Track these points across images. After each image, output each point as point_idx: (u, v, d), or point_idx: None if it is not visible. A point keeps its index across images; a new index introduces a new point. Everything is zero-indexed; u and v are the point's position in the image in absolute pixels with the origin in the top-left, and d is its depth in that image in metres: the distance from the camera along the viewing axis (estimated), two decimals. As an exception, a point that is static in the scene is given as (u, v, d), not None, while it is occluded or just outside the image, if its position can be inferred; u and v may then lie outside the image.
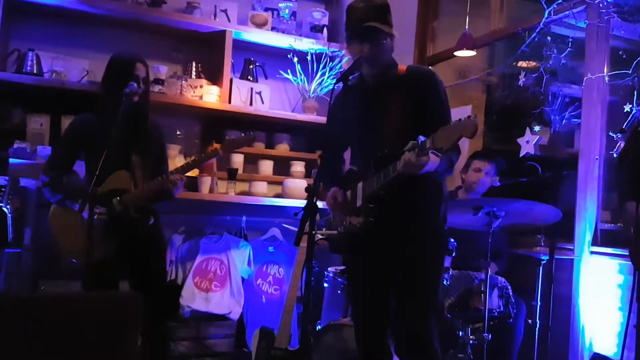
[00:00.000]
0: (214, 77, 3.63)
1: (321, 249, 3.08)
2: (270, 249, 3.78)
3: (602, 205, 2.93)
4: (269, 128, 3.84)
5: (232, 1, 3.69)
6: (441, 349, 2.09)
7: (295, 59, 3.68)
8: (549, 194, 2.69)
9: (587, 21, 3.00)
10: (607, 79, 2.91)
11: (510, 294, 2.85)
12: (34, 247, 3.10)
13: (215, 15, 3.64)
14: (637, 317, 1.46)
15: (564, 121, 3.74)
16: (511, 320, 2.86)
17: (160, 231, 2.71)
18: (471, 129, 1.65)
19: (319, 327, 2.97)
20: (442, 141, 1.69)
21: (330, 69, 3.76)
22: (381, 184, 1.95)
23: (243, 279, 3.65)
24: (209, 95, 3.55)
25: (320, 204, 2.35)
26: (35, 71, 3.28)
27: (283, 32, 3.74)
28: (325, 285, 3.16)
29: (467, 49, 3.49)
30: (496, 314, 2.78)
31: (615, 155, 2.62)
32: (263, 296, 3.75)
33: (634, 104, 2.76)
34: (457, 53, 3.58)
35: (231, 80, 3.62)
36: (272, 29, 3.73)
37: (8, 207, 2.92)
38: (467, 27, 3.53)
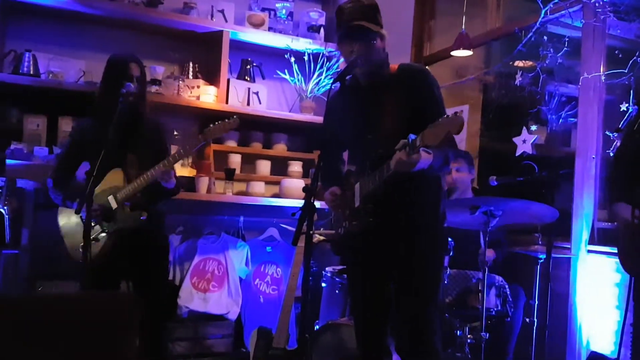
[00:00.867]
0: (211, 78, 3.63)
1: (319, 249, 3.11)
2: (268, 249, 3.78)
3: (599, 204, 2.94)
4: (266, 128, 3.84)
5: (229, 1, 3.68)
6: (438, 349, 2.09)
7: (293, 59, 3.68)
8: (546, 193, 2.69)
9: (584, 20, 3.01)
10: (603, 78, 2.92)
11: (508, 293, 2.86)
12: (32, 248, 3.09)
13: (212, 16, 3.63)
14: (633, 316, 1.47)
15: (560, 120, 3.75)
16: (509, 319, 2.87)
17: (163, 232, 2.72)
18: (457, 125, 1.68)
19: (317, 327, 2.97)
20: (430, 138, 1.71)
21: (327, 69, 3.76)
22: (377, 184, 1.96)
23: (241, 279, 3.65)
24: (206, 96, 3.55)
25: (317, 204, 2.36)
26: (32, 72, 3.27)
27: (280, 32, 3.75)
28: (324, 285, 3.16)
29: (464, 48, 3.50)
30: (494, 312, 2.79)
31: (611, 154, 2.63)
32: (261, 296, 3.75)
33: (630, 103, 2.77)
34: (453, 53, 3.59)
35: (228, 80, 3.62)
36: (269, 29, 3.72)
37: (5, 207, 2.92)
38: (463, 26, 3.54)
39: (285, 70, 3.77)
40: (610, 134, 2.70)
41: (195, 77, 3.64)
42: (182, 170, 3.49)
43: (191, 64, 3.66)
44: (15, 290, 3.05)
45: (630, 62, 2.83)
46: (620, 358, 2.08)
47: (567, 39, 3.17)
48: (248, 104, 3.66)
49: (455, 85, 4.02)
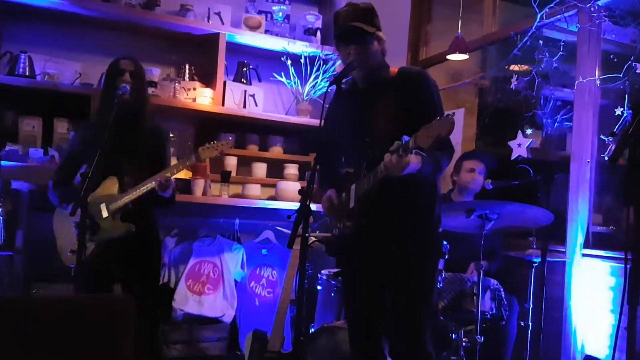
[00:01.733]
0: (208, 80, 3.63)
1: (315, 252, 3.10)
2: (264, 251, 3.78)
3: (594, 208, 2.95)
4: (262, 131, 3.84)
5: (226, 4, 3.68)
6: (434, 351, 2.10)
7: (289, 62, 3.69)
8: (541, 196, 2.71)
9: (579, 25, 3.03)
10: (598, 82, 2.93)
11: (503, 296, 2.86)
12: (26, 249, 3.08)
13: (208, 18, 3.63)
14: (627, 319, 1.47)
15: (556, 124, 3.77)
16: (503, 322, 2.88)
17: (156, 236, 2.71)
18: (448, 127, 1.68)
19: (312, 330, 2.97)
20: (423, 140, 1.71)
21: (324, 72, 3.76)
22: (371, 185, 1.96)
23: (236, 281, 3.64)
24: (202, 98, 3.55)
25: (313, 207, 2.35)
26: (27, 73, 3.27)
27: (276, 35, 3.75)
28: (319, 287, 3.16)
29: (460, 52, 3.52)
30: (489, 316, 2.80)
31: (606, 158, 2.64)
32: (256, 299, 3.74)
33: (625, 108, 2.78)
34: (449, 56, 3.60)
35: (225, 82, 3.62)
36: (266, 31, 3.73)
37: (0, 209, 2.90)
38: (459, 30, 3.55)
39: (282, 73, 3.77)
40: (605, 138, 2.71)
41: (191, 79, 3.64)
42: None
43: (187, 66, 3.66)
44: (10, 292, 3.04)
45: (625, 66, 2.84)
46: (614, 362, 2.08)
47: (562, 44, 3.18)
48: (244, 106, 3.66)
49: (451, 89, 4.03)
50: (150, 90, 3.40)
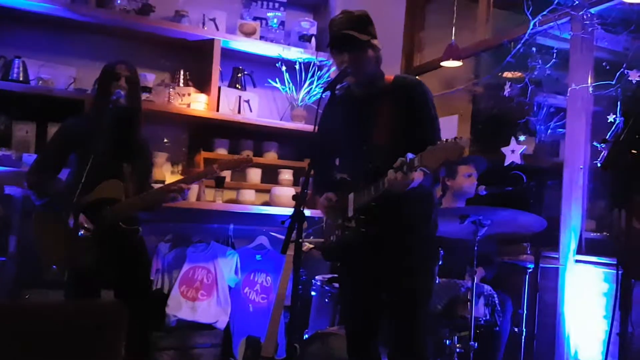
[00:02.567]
0: (202, 85, 3.63)
1: (309, 257, 3.10)
2: (258, 257, 3.77)
3: (587, 214, 2.97)
4: (257, 136, 3.84)
5: (221, 10, 3.70)
6: (428, 357, 2.10)
7: (284, 68, 3.70)
8: (534, 203, 2.72)
9: (572, 32, 3.06)
10: (591, 89, 2.96)
11: (497, 302, 2.86)
12: (19, 255, 3.06)
13: (203, 24, 3.64)
14: (620, 325, 1.48)
15: (549, 131, 3.79)
16: (497, 328, 2.88)
17: (143, 240, 2.70)
18: (457, 153, 1.67)
19: (306, 336, 2.96)
20: (429, 161, 1.71)
21: (319, 78, 3.77)
22: (371, 197, 1.96)
23: (230, 287, 3.63)
24: (197, 104, 3.55)
25: (308, 212, 2.35)
26: (21, 78, 3.26)
27: (271, 41, 3.76)
28: (313, 293, 3.15)
29: (453, 59, 3.53)
30: (482, 322, 2.79)
31: (599, 164, 2.66)
32: (250, 305, 3.73)
33: (617, 114, 2.80)
34: (443, 63, 3.62)
35: (219, 88, 3.62)
36: (261, 38, 3.74)
37: (-8, 214, 2.89)
38: (453, 37, 3.57)
39: (277, 79, 3.78)
40: (598, 145, 2.73)
41: (186, 84, 3.64)
42: (172, 177, 3.48)
43: (182, 72, 3.66)
44: (2, 297, 3.01)
45: (618, 74, 2.86)
46: (607, 368, 2.09)
47: (555, 51, 3.21)
48: (239, 112, 3.66)
49: (445, 95, 4.04)
50: (144, 95, 3.40)
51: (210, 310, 3.54)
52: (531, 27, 3.22)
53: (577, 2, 2.99)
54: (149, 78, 3.52)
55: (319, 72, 3.77)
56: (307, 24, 3.90)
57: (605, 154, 2.17)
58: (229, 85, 3.74)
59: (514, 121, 3.40)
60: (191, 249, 3.59)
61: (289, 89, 3.79)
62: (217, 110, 3.59)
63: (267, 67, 3.77)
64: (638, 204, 1.71)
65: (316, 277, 3.16)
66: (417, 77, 4.32)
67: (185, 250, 3.59)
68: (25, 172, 2.69)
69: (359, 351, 2.17)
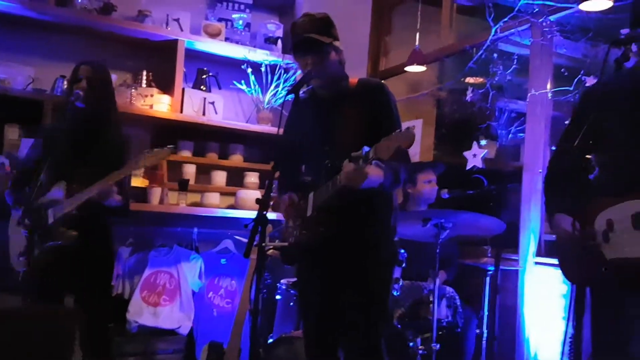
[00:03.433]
0: (166, 86, 3.58)
1: (274, 261, 3.08)
2: (223, 261, 3.73)
3: (546, 217, 3.03)
4: (222, 138, 3.81)
5: (185, 11, 3.65)
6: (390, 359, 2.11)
7: (250, 70, 3.67)
8: (494, 206, 2.77)
9: (532, 39, 3.13)
10: (550, 95, 3.03)
11: (458, 304, 2.90)
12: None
13: (167, 24, 3.59)
14: (574, 329, 1.51)
15: (510, 135, 3.88)
16: (459, 329, 2.91)
17: (107, 244, 2.63)
18: (408, 140, 1.72)
19: (270, 340, 2.94)
20: (383, 151, 1.73)
21: (285, 81, 3.76)
22: (329, 195, 1.96)
23: (194, 292, 3.58)
24: (160, 105, 3.49)
25: (273, 215, 2.34)
26: (-24, 77, 3.15)
27: (237, 42, 3.73)
28: (278, 297, 3.14)
29: (417, 64, 3.58)
30: (444, 323, 2.83)
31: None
32: (214, 310, 3.68)
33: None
34: (407, 68, 3.66)
35: (183, 89, 3.58)
36: (226, 39, 3.70)
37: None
38: (417, 42, 3.62)
39: (242, 81, 3.75)
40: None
41: (149, 85, 3.58)
42: (134, 180, 3.41)
43: (145, 73, 3.60)
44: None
45: (576, 80, 2.95)
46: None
47: (516, 57, 3.28)
48: (203, 113, 3.62)
49: (410, 99, 4.09)
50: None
51: (173, 315, 3.48)
52: (493, 33, 3.28)
53: (537, 9, 3.07)
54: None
55: (285, 74, 3.76)
56: (273, 26, 3.88)
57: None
58: (194, 87, 3.70)
59: (475, 126, 3.47)
60: (153, 253, 3.53)
61: (255, 91, 3.77)
62: (181, 111, 3.54)
63: (233, 68, 3.74)
64: (575, 207, 1.75)
65: (281, 281, 3.14)
66: (382, 80, 4.38)
67: (147, 254, 3.52)
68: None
69: (318, 355, 2.16)
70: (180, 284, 3.53)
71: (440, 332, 2.73)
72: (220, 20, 3.77)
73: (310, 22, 2.04)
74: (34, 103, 3.16)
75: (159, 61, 3.66)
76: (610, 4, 2.62)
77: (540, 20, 3.04)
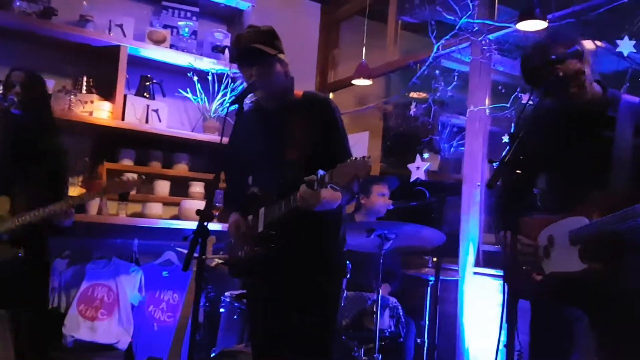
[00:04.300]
0: (107, 93, 3.47)
1: (218, 273, 3.03)
2: (165, 273, 3.63)
3: (485, 228, 3.14)
4: (166, 147, 3.72)
5: (129, 17, 3.57)
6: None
7: (196, 78, 3.62)
8: (435, 217, 2.84)
9: (471, 57, 3.24)
10: (488, 111, 3.15)
11: (401, 314, 2.94)
12: None
13: (110, 30, 3.50)
14: (507, 337, 1.56)
15: (452, 149, 4.00)
16: (401, 339, 2.95)
17: (44, 258, 2.52)
18: (365, 170, 1.72)
19: (213, 354, 2.88)
20: (339, 178, 1.73)
21: (232, 90, 3.73)
22: (282, 213, 1.95)
23: (133, 306, 3.47)
24: (100, 112, 3.38)
25: (218, 226, 2.30)
26: None
27: (183, 50, 3.67)
28: (222, 310, 3.08)
29: (364, 78, 3.64)
30: (387, 333, 2.86)
31: (485, 183, 2.82)
32: (155, 324, 3.58)
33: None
34: (354, 81, 3.72)
35: (125, 96, 3.48)
36: (171, 46, 3.64)
37: None
38: (364, 57, 3.68)
39: (188, 89, 3.69)
40: (493, 163, 2.90)
41: (89, 92, 3.46)
42: (72, 190, 3.28)
43: (85, 78, 3.48)
44: None
45: (512, 97, 3.07)
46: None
47: (456, 74, 3.39)
48: (147, 121, 3.53)
49: (358, 112, 4.15)
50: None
51: (111, 330, 3.36)
52: (435, 50, 3.38)
53: (476, 28, 3.19)
54: (49, 84, 3.28)
55: (232, 83, 3.73)
56: (221, 35, 3.85)
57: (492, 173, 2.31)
58: (136, 94, 3.60)
59: (418, 139, 3.56)
60: (91, 266, 3.40)
61: (201, 99, 3.72)
62: (123, 119, 3.44)
63: (178, 76, 3.68)
64: (521, 223, 1.83)
65: (225, 294, 3.09)
66: (331, 93, 4.44)
67: (85, 266, 3.39)
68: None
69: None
70: (119, 297, 3.41)
71: (383, 342, 2.76)
72: (165, 27, 3.71)
73: (256, 34, 2.05)
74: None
75: (100, 67, 3.55)
76: (546, 24, 2.75)
77: (480, 38, 3.17)
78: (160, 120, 3.59)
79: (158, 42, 3.57)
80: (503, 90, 3.19)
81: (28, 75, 2.44)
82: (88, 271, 3.38)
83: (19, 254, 2.29)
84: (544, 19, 2.71)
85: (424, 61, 3.46)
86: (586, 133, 1.80)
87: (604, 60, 2.68)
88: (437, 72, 3.45)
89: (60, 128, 2.60)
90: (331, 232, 2.13)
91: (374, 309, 2.78)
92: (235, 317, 3.00)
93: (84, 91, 3.44)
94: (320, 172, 1.77)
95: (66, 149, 2.56)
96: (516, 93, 3.07)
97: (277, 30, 2.09)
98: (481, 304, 2.99)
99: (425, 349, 2.88)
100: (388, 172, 4.08)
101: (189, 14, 3.81)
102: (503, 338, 1.60)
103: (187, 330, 2.86)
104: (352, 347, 2.85)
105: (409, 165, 3.42)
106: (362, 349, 2.84)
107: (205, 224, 1.78)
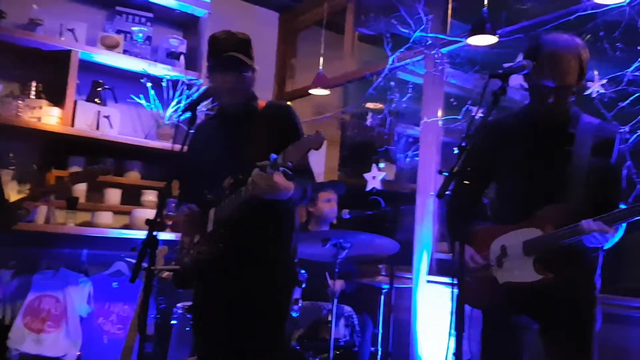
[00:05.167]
0: (57, 99, 3.37)
1: (170, 285, 2.96)
2: (115, 284, 3.53)
3: (439, 237, 3.20)
4: (118, 154, 3.63)
5: (81, 21, 3.48)
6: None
7: (149, 84, 3.56)
8: (389, 226, 2.87)
9: (425, 69, 3.31)
10: (440, 122, 3.22)
11: (356, 322, 2.96)
12: None
13: (60, 34, 3.40)
14: (456, 346, 1.59)
15: (407, 159, 4.06)
16: (356, 348, 2.96)
17: None
18: (318, 142, 1.74)
19: (164, 367, 2.82)
20: (292, 155, 1.73)
21: (188, 97, 3.68)
22: (233, 207, 1.93)
23: (82, 318, 3.36)
24: (50, 117, 3.28)
25: (171, 236, 2.24)
26: None
27: (136, 56, 3.60)
28: (174, 322, 3.02)
29: (321, 87, 3.66)
30: (342, 343, 2.86)
31: (435, 194, 2.88)
32: (105, 336, 3.47)
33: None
34: (311, 91, 3.74)
35: (75, 102, 3.39)
36: (125, 52, 3.57)
37: None
38: (321, 67, 3.71)
39: (141, 95, 3.62)
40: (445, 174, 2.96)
41: (38, 97, 3.35)
42: (17, 197, 3.15)
43: (34, 83, 3.37)
44: None
45: (464, 109, 3.15)
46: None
47: (411, 85, 3.45)
48: (97, 127, 3.44)
49: (315, 121, 4.16)
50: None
51: (59, 342, 3.24)
52: (390, 62, 3.44)
53: (430, 42, 3.26)
54: (-5, 88, 3.19)
55: (187, 90, 3.68)
56: (176, 41, 3.80)
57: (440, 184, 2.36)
58: (87, 100, 3.51)
59: (374, 149, 3.60)
60: (38, 276, 3.28)
61: (155, 106, 3.65)
62: (72, 125, 3.35)
63: (131, 82, 3.61)
64: (473, 233, 1.87)
65: (177, 305, 3.03)
66: (289, 102, 4.44)
67: (31, 277, 3.27)
68: None
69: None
70: (67, 309, 3.30)
71: (337, 352, 2.77)
72: (118, 32, 3.63)
73: (235, 40, 2.04)
74: None
75: (50, 72, 3.44)
76: (496, 39, 2.84)
77: (433, 52, 3.24)
78: (111, 127, 3.51)
79: (111, 47, 3.50)
80: (455, 103, 3.27)
81: None
82: (34, 282, 3.25)
83: None
84: (494, 34, 2.80)
85: (380, 72, 3.51)
86: (546, 146, 1.83)
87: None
88: (392, 83, 3.50)
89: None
90: (282, 234, 2.11)
91: (329, 319, 2.79)
92: (187, 329, 2.94)
93: (32, 96, 3.33)
94: (273, 155, 1.76)
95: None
96: (467, 105, 3.15)
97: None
98: (434, 311, 3.04)
99: (379, 357, 2.89)
100: (345, 181, 4.11)
101: (143, 20, 3.75)
102: (453, 346, 1.62)
103: (137, 343, 2.78)
104: (307, 358, 2.83)
105: (365, 175, 3.45)
106: (318, 359, 2.83)
107: (155, 233, 1.74)
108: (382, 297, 2.95)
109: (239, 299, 2.06)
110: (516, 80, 1.85)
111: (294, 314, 2.77)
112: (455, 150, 2.89)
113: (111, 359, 3.31)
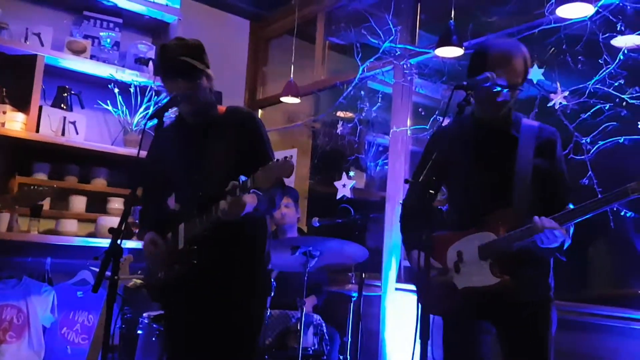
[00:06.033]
0: (21, 104, 3.29)
1: (136, 294, 2.91)
2: (79, 293, 3.45)
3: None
4: (84, 161, 3.56)
5: (47, 25, 3.42)
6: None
7: (117, 90, 3.51)
8: (360, 234, 2.88)
9: (394, 80, 3.36)
10: (409, 131, 3.26)
11: (325, 331, 2.95)
12: None
13: (26, 39, 3.34)
14: (421, 353, 1.61)
15: (377, 168, 4.09)
16: (325, 357, 2.95)
17: None
18: (287, 170, 1.71)
19: (129, 378, 2.76)
20: (262, 181, 1.72)
21: (156, 103, 3.64)
22: (203, 226, 1.91)
23: (45, 328, 3.27)
24: (13, 123, 3.20)
25: (137, 244, 2.21)
26: None
27: (104, 61, 3.55)
28: (140, 332, 2.96)
29: (292, 96, 3.67)
30: (311, 352, 2.85)
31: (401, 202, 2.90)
32: (68, 347, 3.38)
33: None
34: (282, 99, 3.74)
35: (40, 107, 3.32)
36: (92, 57, 3.52)
37: None
38: (291, 75, 3.71)
39: (108, 101, 3.57)
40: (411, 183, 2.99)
41: (2, 102, 3.28)
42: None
43: (-2, 88, 3.29)
44: None
45: (432, 118, 3.20)
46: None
47: (381, 95, 3.49)
48: (63, 133, 3.38)
49: (287, 129, 4.17)
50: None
51: (21, 353, 3.16)
52: (360, 72, 3.47)
53: (399, 52, 3.30)
54: (-45, 92, 3.10)
55: (156, 97, 3.64)
56: (145, 47, 3.77)
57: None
58: (53, 105, 3.44)
59: (345, 157, 3.62)
60: (-1, 286, 3.19)
61: (123, 112, 3.60)
62: (37, 131, 3.28)
63: (99, 88, 3.56)
64: (433, 242, 1.89)
65: (143, 315, 2.97)
66: (260, 110, 4.44)
67: (-8, 287, 3.17)
68: None
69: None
70: (30, 318, 3.22)
71: (306, 361, 2.75)
72: (86, 37, 3.58)
73: (185, 46, 2.00)
74: None
75: (15, 77, 3.37)
76: (462, 51, 2.89)
77: (402, 62, 3.28)
78: (77, 133, 3.45)
79: (78, 52, 3.44)
80: (423, 113, 3.32)
81: None
82: (-5, 292, 3.17)
83: None
84: (460, 46, 2.85)
85: (351, 82, 3.54)
86: (491, 151, 1.86)
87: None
88: (362, 92, 3.53)
89: None
90: (255, 245, 2.10)
91: (298, 327, 2.77)
92: (153, 338, 2.88)
93: (-5, 101, 3.26)
94: (242, 177, 1.75)
95: None
96: (435, 115, 3.20)
97: (205, 45, 2.06)
98: (402, 319, 3.06)
99: (347, 365, 2.89)
100: (316, 189, 4.12)
101: (111, 25, 3.70)
102: (418, 353, 1.63)
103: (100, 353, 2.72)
104: (275, 367, 2.82)
105: (336, 183, 3.47)
106: (286, 368, 2.82)
107: (119, 242, 1.71)
108: (352, 305, 2.95)
109: (213, 311, 2.03)
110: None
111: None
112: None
113: (75, 370, 3.24)
